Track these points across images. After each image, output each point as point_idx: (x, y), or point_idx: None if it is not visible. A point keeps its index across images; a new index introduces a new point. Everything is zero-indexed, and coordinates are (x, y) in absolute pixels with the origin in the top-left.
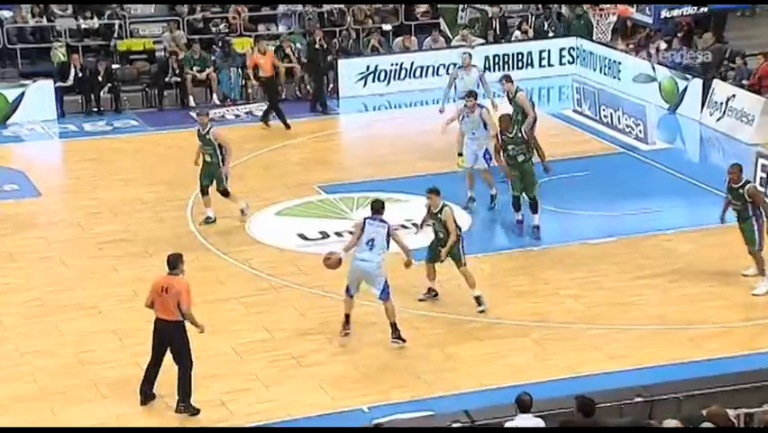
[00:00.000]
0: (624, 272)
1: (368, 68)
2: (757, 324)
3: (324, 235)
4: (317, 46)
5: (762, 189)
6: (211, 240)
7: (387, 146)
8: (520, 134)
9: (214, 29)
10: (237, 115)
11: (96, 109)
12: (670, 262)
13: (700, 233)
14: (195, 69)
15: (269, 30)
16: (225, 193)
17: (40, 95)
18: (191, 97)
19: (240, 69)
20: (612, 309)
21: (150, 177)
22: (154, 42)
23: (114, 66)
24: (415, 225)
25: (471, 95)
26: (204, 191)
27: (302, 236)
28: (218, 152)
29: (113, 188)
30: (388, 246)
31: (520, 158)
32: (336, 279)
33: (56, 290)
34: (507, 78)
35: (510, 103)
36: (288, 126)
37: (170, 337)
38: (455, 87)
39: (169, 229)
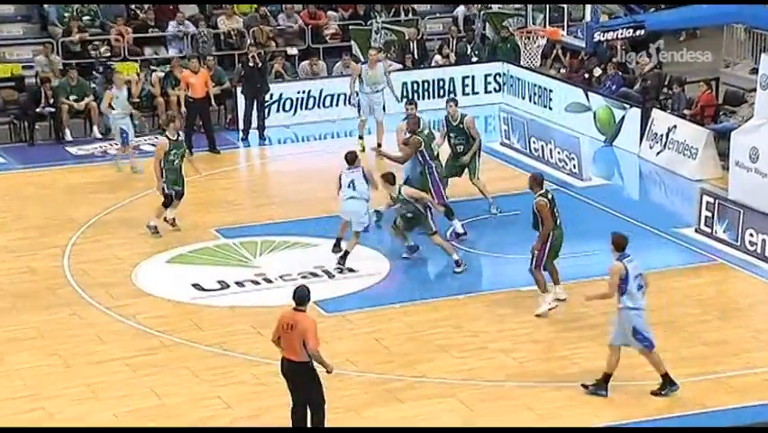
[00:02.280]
0: (559, 322)
1: (271, 96)
2: (708, 378)
3: (223, 285)
4: (252, 65)
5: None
6: (91, 292)
7: (293, 184)
8: (462, 125)
9: (94, 53)
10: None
11: None
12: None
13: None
14: (71, 98)
15: (156, 54)
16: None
17: None
18: (67, 131)
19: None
20: (547, 364)
21: (19, 221)
22: (23, 68)
23: None
24: (326, 271)
25: (411, 103)
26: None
27: (198, 287)
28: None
29: None
30: (368, 183)
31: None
32: (236, 335)
33: None
34: (454, 102)
35: (449, 128)
36: (191, 154)
37: (299, 380)
38: (361, 82)
39: (42, 281)
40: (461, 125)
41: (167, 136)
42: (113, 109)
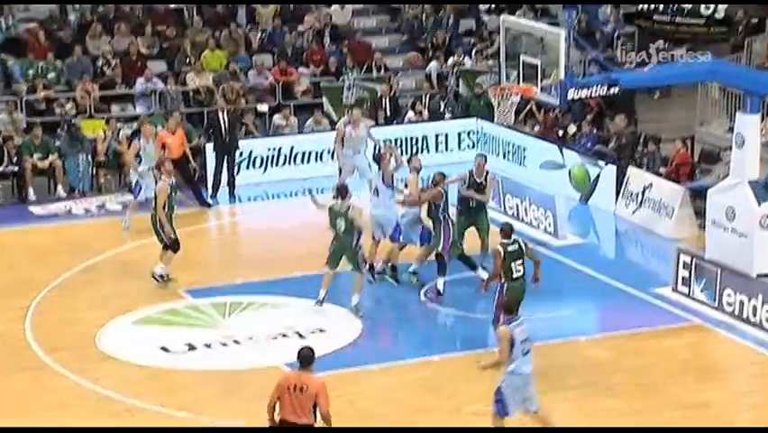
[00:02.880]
0: (540, 384)
1: (241, 153)
2: None
3: (191, 348)
4: (221, 121)
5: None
6: (54, 356)
7: (264, 242)
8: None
9: (58, 110)
10: (87, 210)
11: None
12: (585, 371)
13: (618, 339)
14: (36, 156)
15: (123, 110)
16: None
17: None
18: (31, 189)
19: (89, 157)
20: (523, 426)
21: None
22: None
23: None
24: (297, 333)
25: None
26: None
27: (165, 349)
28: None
29: None
30: (392, 189)
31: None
32: (206, 400)
33: None
34: (484, 158)
35: (469, 183)
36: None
37: None
38: (344, 144)
39: (3, 345)
40: (484, 183)
41: (163, 180)
42: (138, 160)
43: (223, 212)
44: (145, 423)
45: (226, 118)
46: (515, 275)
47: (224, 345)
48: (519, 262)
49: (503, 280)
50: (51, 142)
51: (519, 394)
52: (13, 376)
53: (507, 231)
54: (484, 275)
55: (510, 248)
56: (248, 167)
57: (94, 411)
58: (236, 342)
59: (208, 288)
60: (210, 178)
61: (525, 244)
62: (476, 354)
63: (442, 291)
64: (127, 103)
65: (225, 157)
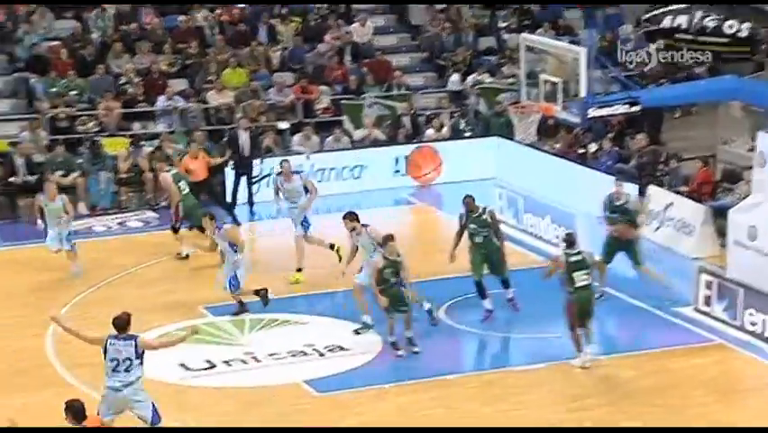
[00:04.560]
0: (555, 404)
1: (261, 171)
2: None
3: (211, 365)
4: (241, 139)
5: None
6: (75, 372)
7: (283, 260)
8: (485, 216)
9: (81, 128)
10: (108, 227)
11: None
12: (608, 390)
13: (640, 358)
14: (58, 173)
15: (145, 129)
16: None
17: None
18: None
19: (112, 174)
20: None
21: (2, 300)
22: (9, 144)
23: None
24: (316, 350)
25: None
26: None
27: (184, 366)
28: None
29: None
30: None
31: (483, 235)
32: (225, 417)
33: None
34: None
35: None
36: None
37: None
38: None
39: (26, 361)
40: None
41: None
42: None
43: (242, 229)
44: None
45: (246, 136)
46: (578, 284)
47: (244, 362)
48: (583, 272)
49: (569, 290)
50: (73, 160)
51: None
52: (38, 393)
53: (569, 241)
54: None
55: (573, 258)
56: (268, 184)
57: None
58: (256, 359)
59: (228, 305)
60: (228, 195)
61: (590, 256)
62: (495, 373)
63: (491, 308)
64: (149, 121)
65: (244, 175)
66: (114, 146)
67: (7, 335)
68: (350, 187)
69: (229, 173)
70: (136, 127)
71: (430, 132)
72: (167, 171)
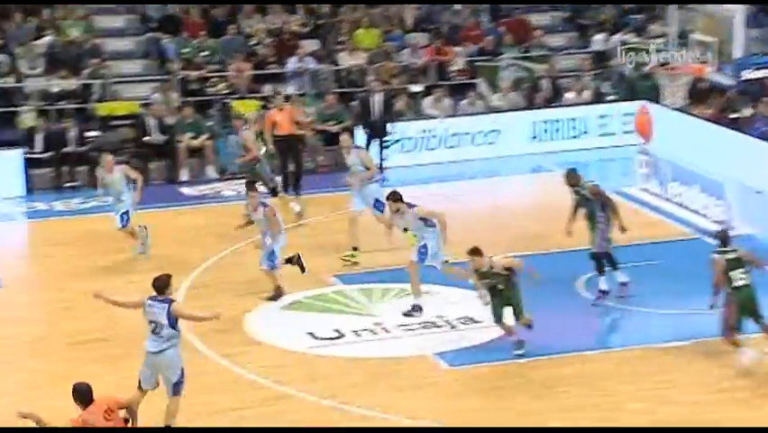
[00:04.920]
0: (702, 384)
1: (392, 135)
2: None
3: (339, 335)
4: (373, 102)
5: None
6: (204, 340)
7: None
8: (583, 192)
9: (211, 90)
10: (237, 192)
11: (69, 184)
12: (758, 371)
13: None
14: (187, 135)
15: (277, 92)
16: (275, 193)
17: (4, 167)
18: (183, 170)
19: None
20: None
21: (132, 264)
22: (141, 105)
23: (93, 133)
24: (448, 321)
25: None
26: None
27: (312, 335)
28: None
29: (88, 277)
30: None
31: (587, 208)
32: (353, 388)
33: (21, 399)
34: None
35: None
36: (275, 193)
37: None
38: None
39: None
40: (583, 192)
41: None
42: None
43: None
44: (293, 410)
45: (379, 99)
46: (736, 284)
47: (373, 332)
48: (740, 271)
49: (727, 291)
50: (203, 122)
51: None
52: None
53: (723, 238)
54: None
55: (728, 256)
56: (400, 150)
57: (244, 396)
58: (386, 330)
59: (358, 273)
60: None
61: (745, 251)
62: (635, 350)
63: (606, 289)
64: (279, 83)
65: (375, 139)
66: (245, 108)
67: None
68: (484, 153)
69: (359, 138)
70: (266, 89)
71: (570, 95)
72: (246, 130)
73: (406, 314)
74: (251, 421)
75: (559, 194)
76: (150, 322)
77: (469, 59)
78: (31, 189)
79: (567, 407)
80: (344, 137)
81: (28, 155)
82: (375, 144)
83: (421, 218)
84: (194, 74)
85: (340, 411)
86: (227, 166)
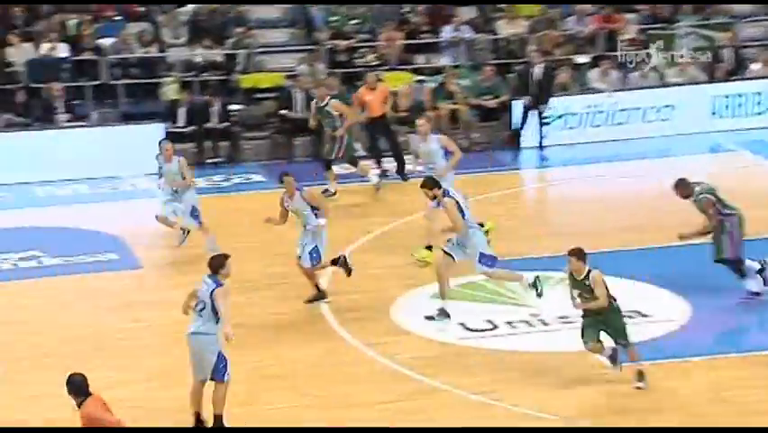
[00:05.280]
0: None
1: (552, 110)
2: None
3: (492, 326)
4: (533, 74)
5: None
6: (349, 328)
7: (576, 212)
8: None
9: (360, 61)
10: (384, 170)
11: (211, 160)
12: None
13: None
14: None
15: (429, 63)
16: (353, 162)
17: (144, 142)
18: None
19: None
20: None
21: (274, 246)
22: (286, 77)
23: (237, 106)
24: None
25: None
26: (328, 165)
27: (464, 326)
28: (339, 124)
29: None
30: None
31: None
32: (507, 384)
33: (159, 385)
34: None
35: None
36: (384, 170)
37: None
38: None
39: (295, 313)
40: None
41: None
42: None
43: (531, 176)
44: (442, 405)
45: (540, 71)
46: None
47: (530, 324)
48: None
49: None
50: (349, 97)
51: None
52: (307, 346)
53: None
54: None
55: None
56: (563, 127)
57: (388, 388)
58: (543, 322)
59: (513, 260)
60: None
61: None
62: None
63: (757, 291)
64: (433, 53)
65: (534, 114)
66: (395, 81)
67: (274, 284)
68: (656, 130)
69: (516, 113)
70: (419, 60)
71: (756, 67)
72: (333, 99)
73: (429, 318)
74: (391, 416)
75: (741, 177)
76: (199, 301)
77: (641, 26)
78: None
79: (742, 411)
80: (421, 121)
81: (170, 129)
82: (533, 120)
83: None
84: (342, 44)
85: (490, 408)
86: None
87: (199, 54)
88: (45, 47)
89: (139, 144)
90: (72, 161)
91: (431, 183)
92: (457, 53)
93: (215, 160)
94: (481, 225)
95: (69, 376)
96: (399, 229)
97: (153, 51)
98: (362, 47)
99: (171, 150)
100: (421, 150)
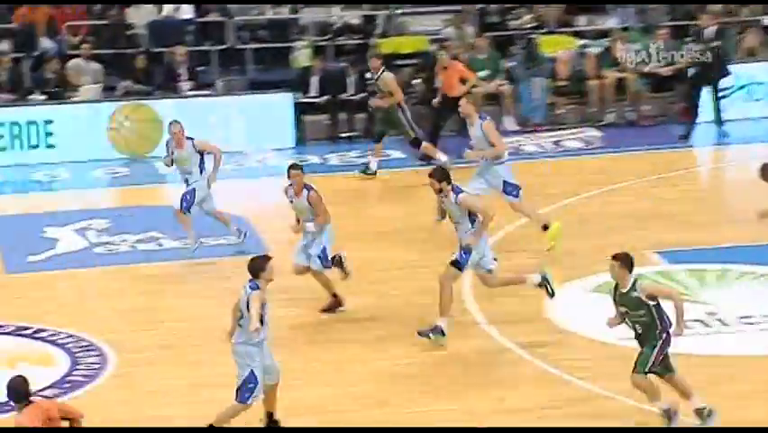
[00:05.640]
0: None
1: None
2: None
3: None
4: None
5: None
6: (500, 327)
7: (761, 197)
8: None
9: (514, 23)
10: (541, 147)
11: (345, 134)
12: None
13: None
14: (481, 74)
15: (593, 24)
16: (416, 143)
17: (273, 113)
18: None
19: (549, 80)
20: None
21: (411, 231)
22: (431, 42)
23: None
24: None
25: None
26: (379, 138)
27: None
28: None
29: (363, 245)
30: None
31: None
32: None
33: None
34: None
35: None
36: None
37: None
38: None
39: (433, 307)
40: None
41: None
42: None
43: (706, 155)
44: (605, 413)
45: (713, 33)
46: None
47: (706, 325)
48: None
49: None
50: (500, 62)
51: None
52: (456, 343)
53: None
54: None
55: None
56: (746, 99)
57: (544, 394)
58: (722, 322)
59: (688, 250)
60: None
61: None
62: None
63: None
64: (598, 15)
65: (708, 85)
66: (554, 46)
67: (411, 272)
68: None
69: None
70: (581, 22)
71: None
72: (386, 72)
73: (424, 334)
74: (551, 422)
75: None
76: (240, 312)
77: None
78: (301, 139)
79: None
80: (464, 102)
81: (301, 99)
82: (707, 92)
83: (458, 205)
84: (494, 5)
85: (658, 420)
86: (529, 115)
87: (335, 15)
88: (168, 8)
89: (267, 116)
90: (194, 134)
91: (438, 175)
92: (626, 14)
93: (351, 134)
94: (546, 228)
95: (8, 381)
96: (559, 213)
97: (284, 13)
98: (517, 7)
99: (181, 132)
100: (471, 133)
